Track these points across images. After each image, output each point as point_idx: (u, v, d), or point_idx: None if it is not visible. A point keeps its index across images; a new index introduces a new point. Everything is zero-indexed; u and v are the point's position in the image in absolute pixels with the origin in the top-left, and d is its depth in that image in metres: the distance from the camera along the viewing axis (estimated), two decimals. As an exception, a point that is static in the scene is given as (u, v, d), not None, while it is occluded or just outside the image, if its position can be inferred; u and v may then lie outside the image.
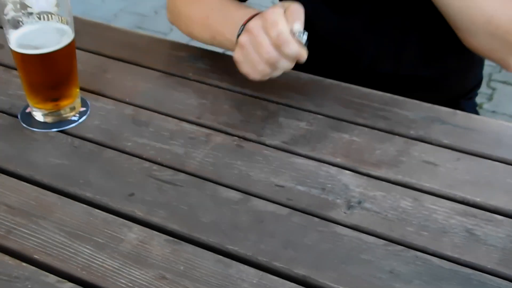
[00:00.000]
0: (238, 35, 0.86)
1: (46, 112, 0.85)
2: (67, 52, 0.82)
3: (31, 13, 0.79)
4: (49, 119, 0.85)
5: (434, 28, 0.98)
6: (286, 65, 0.79)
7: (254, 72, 0.83)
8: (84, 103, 0.88)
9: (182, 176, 0.75)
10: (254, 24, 0.81)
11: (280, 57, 0.78)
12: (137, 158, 0.78)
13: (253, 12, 0.87)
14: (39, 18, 0.80)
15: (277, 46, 0.76)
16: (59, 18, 0.81)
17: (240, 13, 0.89)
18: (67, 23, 0.82)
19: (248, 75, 0.84)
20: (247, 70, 0.83)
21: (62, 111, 0.85)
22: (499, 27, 0.89)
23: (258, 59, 0.80)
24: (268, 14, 0.79)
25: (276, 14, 0.78)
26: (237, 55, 0.84)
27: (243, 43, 0.82)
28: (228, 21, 0.92)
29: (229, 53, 1.07)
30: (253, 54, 0.80)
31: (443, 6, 0.89)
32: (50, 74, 0.84)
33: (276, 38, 0.76)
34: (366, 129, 0.84)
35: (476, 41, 0.93)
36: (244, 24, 0.85)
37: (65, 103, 0.85)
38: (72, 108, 0.86)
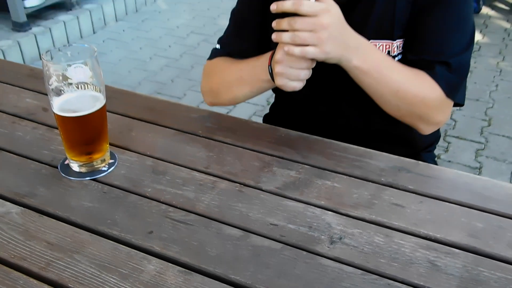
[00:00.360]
0: (270, 73, 0.89)
1: (81, 163, 0.86)
2: (100, 114, 0.84)
3: (71, 84, 0.81)
4: (83, 170, 0.86)
5: None
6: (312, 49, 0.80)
7: (297, 76, 0.85)
8: (112, 156, 0.90)
9: (192, 216, 0.76)
10: (276, 51, 0.85)
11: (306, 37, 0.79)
12: (156, 202, 0.79)
13: (269, 53, 0.90)
14: (77, 87, 0.82)
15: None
16: (93, 87, 0.83)
17: (261, 59, 0.93)
18: (100, 91, 0.84)
19: (294, 86, 0.86)
20: (291, 80, 0.85)
21: (94, 163, 0.86)
22: (404, 99, 0.91)
23: (295, 60, 0.83)
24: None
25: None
26: (279, 78, 0.86)
27: (278, 59, 0.84)
28: (257, 70, 0.94)
29: (231, 114, 1.11)
30: (289, 60, 0.83)
31: (359, 82, 0.90)
32: (85, 132, 0.85)
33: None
34: (345, 176, 0.85)
35: (389, 109, 0.94)
36: (269, 65, 0.89)
37: (97, 156, 0.86)
38: (102, 160, 0.87)
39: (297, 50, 0.81)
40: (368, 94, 0.93)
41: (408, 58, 0.96)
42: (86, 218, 0.76)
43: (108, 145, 0.89)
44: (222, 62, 1.06)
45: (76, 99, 0.83)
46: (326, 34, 0.79)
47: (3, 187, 0.83)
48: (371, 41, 0.95)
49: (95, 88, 0.84)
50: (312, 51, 0.80)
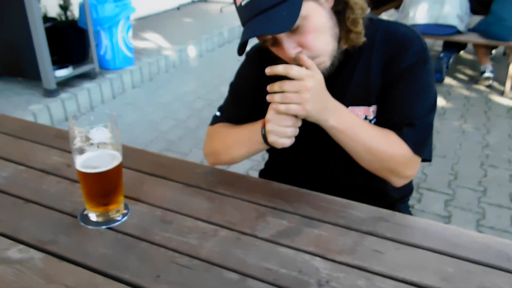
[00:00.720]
0: (263, 135, 0.90)
1: (98, 214, 0.85)
2: (116, 171, 0.84)
3: (92, 144, 0.81)
4: (100, 219, 0.85)
5: None
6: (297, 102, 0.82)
7: (284, 133, 0.86)
8: (126, 207, 0.89)
9: (196, 261, 0.75)
10: (268, 111, 0.87)
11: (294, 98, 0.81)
12: (163, 248, 0.78)
13: (262, 120, 0.91)
14: (98, 147, 0.82)
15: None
16: (112, 146, 0.84)
17: (256, 124, 0.94)
18: (117, 150, 0.85)
19: (283, 143, 0.86)
20: (280, 137, 0.86)
21: (110, 213, 0.86)
22: (375, 155, 0.92)
23: (282, 119, 0.85)
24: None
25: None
26: (269, 135, 0.87)
27: (269, 118, 0.86)
28: (252, 133, 0.95)
29: (230, 169, 1.11)
30: (277, 119, 0.85)
31: (336, 140, 0.91)
32: (103, 186, 0.85)
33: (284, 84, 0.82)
34: (330, 225, 0.84)
35: (364, 164, 0.95)
36: (263, 127, 0.90)
37: (112, 207, 0.86)
38: (117, 211, 0.87)
39: (282, 107, 0.83)
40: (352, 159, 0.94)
41: (380, 121, 0.98)
42: (101, 263, 0.75)
43: (122, 197, 0.89)
44: (222, 128, 1.08)
45: (96, 157, 0.83)
46: (308, 95, 0.82)
47: (28, 235, 0.82)
48: (350, 107, 0.98)
49: (113, 147, 0.84)
50: (294, 108, 0.83)
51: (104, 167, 0.82)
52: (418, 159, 0.96)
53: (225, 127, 1.07)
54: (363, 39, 0.94)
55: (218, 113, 1.11)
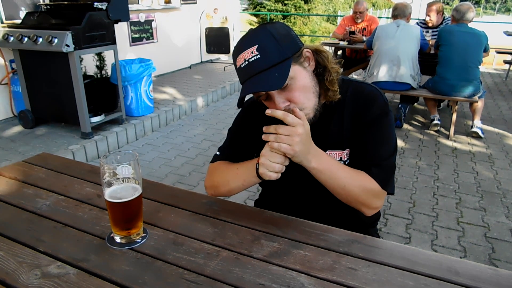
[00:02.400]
0: (256, 169, 0.89)
1: (122, 236, 0.84)
2: (137, 201, 0.84)
3: (118, 178, 0.82)
4: (123, 241, 0.84)
5: None
6: (288, 142, 0.82)
7: (273, 168, 0.85)
8: (145, 231, 0.88)
9: (202, 278, 0.74)
10: (264, 148, 0.86)
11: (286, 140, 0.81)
12: (175, 266, 0.77)
13: (257, 158, 0.91)
14: (123, 181, 0.82)
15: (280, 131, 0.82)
16: (134, 180, 0.84)
17: (252, 161, 0.94)
18: (138, 183, 0.84)
19: (270, 176, 0.85)
20: (269, 171, 0.85)
21: (131, 236, 0.85)
22: (350, 191, 0.92)
23: (274, 156, 0.84)
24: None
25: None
26: (260, 167, 0.87)
27: (263, 153, 0.86)
28: (248, 168, 0.95)
29: (231, 199, 1.10)
30: (270, 155, 0.84)
31: (317, 178, 0.91)
32: (126, 214, 0.84)
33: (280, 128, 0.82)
34: (313, 247, 0.83)
35: (340, 198, 0.94)
36: (257, 162, 0.89)
37: (134, 231, 0.85)
38: (137, 234, 0.85)
39: (275, 144, 0.84)
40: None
41: (353, 162, 0.98)
42: (124, 278, 0.74)
43: (142, 223, 0.87)
44: (221, 164, 1.07)
45: (121, 189, 0.82)
46: (298, 139, 0.83)
47: (65, 254, 0.80)
48: (328, 151, 0.98)
49: (135, 182, 0.84)
50: (285, 147, 0.83)
51: (127, 198, 0.82)
52: (384, 193, 0.96)
53: (224, 164, 1.07)
54: (338, 96, 0.97)
55: (218, 153, 1.11)
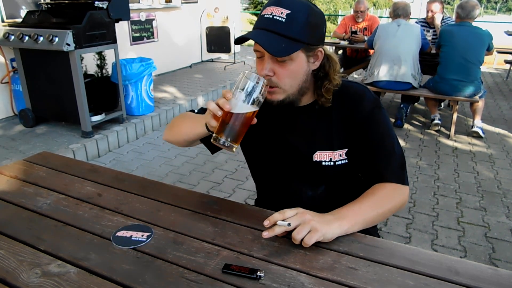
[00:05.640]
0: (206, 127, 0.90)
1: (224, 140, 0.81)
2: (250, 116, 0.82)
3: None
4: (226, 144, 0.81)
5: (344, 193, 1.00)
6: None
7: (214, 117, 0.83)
8: (150, 230, 0.88)
9: (202, 277, 0.74)
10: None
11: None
12: (175, 265, 0.77)
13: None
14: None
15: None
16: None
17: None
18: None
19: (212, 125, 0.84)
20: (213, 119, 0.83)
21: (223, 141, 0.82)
22: (385, 216, 0.92)
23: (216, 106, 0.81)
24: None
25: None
26: (207, 117, 0.85)
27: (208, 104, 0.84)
28: (199, 120, 0.95)
29: (231, 198, 1.10)
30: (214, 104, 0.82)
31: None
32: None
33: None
34: (313, 246, 0.82)
35: (379, 222, 0.94)
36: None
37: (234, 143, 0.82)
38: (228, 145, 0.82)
39: (299, 237, 0.80)
40: (326, 191, 0.92)
41: (353, 162, 0.97)
42: (124, 277, 0.74)
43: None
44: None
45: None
46: (314, 222, 0.81)
47: (65, 252, 0.80)
48: (318, 151, 0.98)
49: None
50: (310, 236, 0.79)
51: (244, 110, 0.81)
52: (405, 187, 0.95)
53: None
54: (329, 104, 0.97)
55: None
